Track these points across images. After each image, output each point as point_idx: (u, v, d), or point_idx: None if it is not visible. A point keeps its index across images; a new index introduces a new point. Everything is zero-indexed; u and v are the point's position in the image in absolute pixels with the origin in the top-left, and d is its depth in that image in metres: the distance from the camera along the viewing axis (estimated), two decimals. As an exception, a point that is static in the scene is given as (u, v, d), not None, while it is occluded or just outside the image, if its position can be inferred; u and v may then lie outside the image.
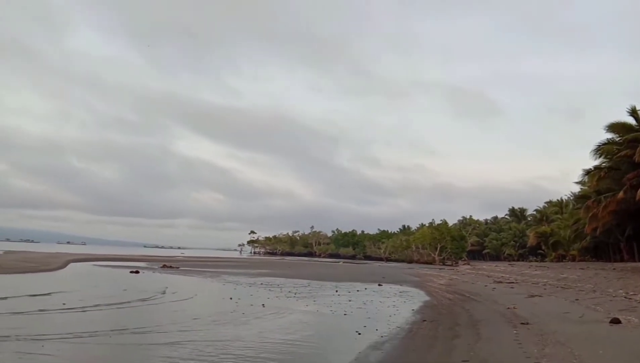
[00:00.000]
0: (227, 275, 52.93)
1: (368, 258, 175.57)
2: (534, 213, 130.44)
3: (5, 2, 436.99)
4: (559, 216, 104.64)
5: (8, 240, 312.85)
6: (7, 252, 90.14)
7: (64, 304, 22.28)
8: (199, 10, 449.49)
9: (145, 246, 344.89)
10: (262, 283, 41.62)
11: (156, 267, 63.57)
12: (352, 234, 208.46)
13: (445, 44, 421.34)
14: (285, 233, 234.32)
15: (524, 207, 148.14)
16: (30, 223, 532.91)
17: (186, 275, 51.10)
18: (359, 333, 17.87)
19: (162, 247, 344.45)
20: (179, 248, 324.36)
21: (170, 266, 64.34)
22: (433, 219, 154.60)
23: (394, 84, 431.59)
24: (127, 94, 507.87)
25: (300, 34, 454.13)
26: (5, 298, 23.71)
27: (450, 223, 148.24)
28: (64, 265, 57.47)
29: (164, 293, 30.27)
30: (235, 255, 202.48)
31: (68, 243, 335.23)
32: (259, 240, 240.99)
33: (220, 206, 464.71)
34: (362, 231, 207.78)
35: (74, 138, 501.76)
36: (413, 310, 26.05)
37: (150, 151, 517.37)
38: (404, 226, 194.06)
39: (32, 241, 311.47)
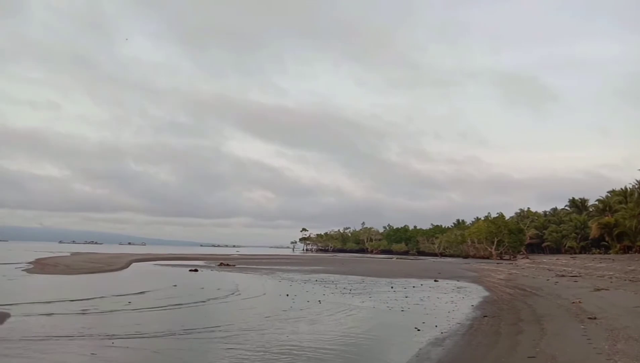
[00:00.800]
0: (281, 272, 53.68)
1: (421, 253, 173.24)
2: (596, 203, 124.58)
3: (63, 15, 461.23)
4: (623, 205, 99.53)
5: (74, 242, 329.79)
6: (74, 254, 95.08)
7: (143, 304, 23.41)
8: (244, 12, 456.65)
9: (201, 245, 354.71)
10: (316, 280, 41.93)
11: (213, 265, 65.26)
12: (404, 229, 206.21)
13: (494, 30, 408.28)
14: (336, 229, 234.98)
15: (585, 197, 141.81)
16: (94, 225, 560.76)
17: (242, 272, 52.19)
18: (418, 330, 17.72)
19: (218, 246, 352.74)
20: (234, 246, 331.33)
21: (227, 264, 65.91)
22: (489, 213, 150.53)
23: (443, 74, 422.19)
24: (179, 98, 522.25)
25: (344, 28, 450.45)
26: (92, 298, 25.02)
27: (507, 216, 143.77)
28: (126, 265, 60.01)
29: (218, 289, 31.13)
30: (288, 252, 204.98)
31: (129, 243, 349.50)
32: (311, 237, 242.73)
33: (271, 205, 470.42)
34: (415, 227, 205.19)
35: (131, 142, 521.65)
36: (472, 305, 25.55)
37: (203, 152, 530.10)
38: (458, 220, 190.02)
39: (96, 243, 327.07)
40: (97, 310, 21.08)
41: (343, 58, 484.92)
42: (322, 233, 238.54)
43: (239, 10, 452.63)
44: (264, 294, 29.90)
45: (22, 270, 46.46)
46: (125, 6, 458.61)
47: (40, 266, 53.23)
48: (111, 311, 20.99)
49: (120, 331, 16.20)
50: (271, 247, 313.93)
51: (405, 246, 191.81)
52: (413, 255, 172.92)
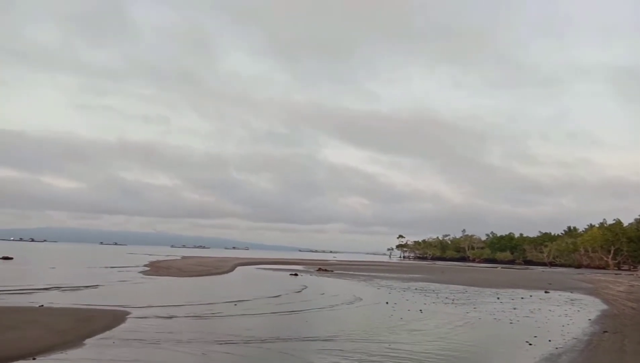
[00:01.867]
0: (379, 279, 53.20)
1: (528, 262, 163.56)
2: None
3: (169, 35, 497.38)
4: None
5: (184, 246, 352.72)
6: (184, 257, 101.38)
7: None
8: (335, 21, 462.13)
9: (300, 250, 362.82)
10: (416, 288, 41.01)
11: (312, 270, 66.33)
12: (509, 237, 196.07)
13: (603, 21, 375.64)
14: (435, 237, 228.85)
15: None
16: (202, 230, 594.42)
17: (340, 278, 52.46)
18: (530, 344, 16.58)
19: (316, 251, 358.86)
20: (331, 251, 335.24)
21: (325, 270, 66.68)
22: (604, 219, 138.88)
23: (547, 71, 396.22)
24: (276, 108, 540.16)
25: (438, 30, 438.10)
26: (203, 303, 26.50)
27: (625, 222, 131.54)
28: (232, 269, 62.83)
29: (322, 294, 31.47)
30: (385, 259, 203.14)
31: (234, 248, 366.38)
32: (408, 244, 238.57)
33: (366, 211, 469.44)
34: (520, 234, 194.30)
35: (233, 152, 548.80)
36: (590, 319, 23.51)
37: (299, 160, 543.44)
38: (569, 227, 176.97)
39: (204, 247, 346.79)
40: (209, 313, 22.10)
41: (438, 60, 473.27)
42: (420, 240, 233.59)
43: (330, 20, 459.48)
44: (362, 301, 29.71)
45: (139, 272, 50.31)
46: (225, 24, 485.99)
47: (155, 269, 57.36)
48: (221, 315, 21.80)
49: (228, 336, 16.81)
50: (367, 253, 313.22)
51: (510, 254, 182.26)
52: (519, 264, 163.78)
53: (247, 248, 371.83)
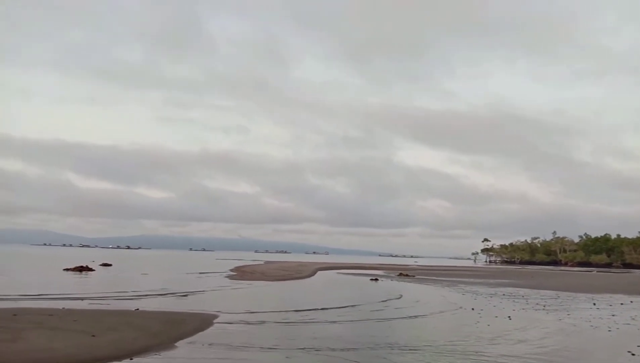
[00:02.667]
0: (464, 284, 51.53)
1: (628, 266, 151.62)
2: None
3: (243, 46, 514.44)
4: None
5: (267, 251, 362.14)
6: (267, 262, 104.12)
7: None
8: (406, 19, 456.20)
9: (380, 255, 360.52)
10: (503, 294, 39.29)
11: (393, 275, 65.55)
12: (605, 239, 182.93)
13: None
14: (522, 240, 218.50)
15: None
16: (282, 235, 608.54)
17: (422, 283, 51.39)
18: (633, 354, 15.31)
19: (396, 256, 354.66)
20: (411, 256, 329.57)
21: (407, 275, 65.64)
22: None
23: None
24: (349, 112, 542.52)
25: (516, 22, 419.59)
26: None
27: None
28: (313, 273, 63.63)
29: (399, 297, 30.98)
30: (469, 263, 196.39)
31: (314, 253, 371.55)
32: (494, 248, 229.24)
33: (447, 214, 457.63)
34: (618, 235, 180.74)
35: (309, 158, 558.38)
36: (702, 329, 21.30)
37: (375, 163, 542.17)
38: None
39: (285, 252, 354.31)
40: (294, 319, 22.45)
41: (517, 53, 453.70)
42: (507, 244, 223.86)
43: (401, 18, 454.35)
44: (446, 307, 28.87)
45: (225, 277, 52.28)
46: (297, 31, 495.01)
47: (240, 273, 59.34)
48: (305, 321, 21.98)
49: (312, 342, 16.95)
50: (450, 258, 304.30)
51: (606, 257, 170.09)
52: (617, 267, 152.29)
53: (326, 253, 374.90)
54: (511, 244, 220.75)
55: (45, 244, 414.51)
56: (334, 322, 21.30)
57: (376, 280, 53.55)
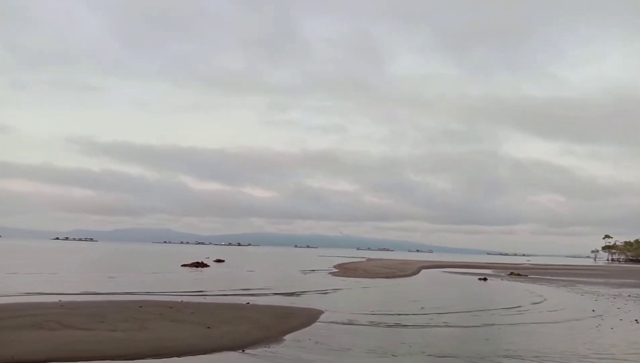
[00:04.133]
0: (583, 284, 47.81)
1: None
2: None
3: (339, 46, 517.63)
4: None
5: (369, 248, 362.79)
6: (369, 259, 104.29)
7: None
8: (506, 2, 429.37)
9: (488, 254, 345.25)
10: (629, 295, 35.92)
11: (503, 275, 62.53)
12: None
13: None
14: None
15: None
16: (384, 233, 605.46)
17: (535, 283, 48.43)
18: None
19: (506, 254, 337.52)
20: (523, 254, 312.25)
21: (518, 274, 62.28)
22: None
23: None
24: (449, 105, 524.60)
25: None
26: (391, 313, 26.91)
27: None
28: (416, 271, 62.61)
29: (537, 303, 29.42)
30: (588, 262, 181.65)
31: (417, 251, 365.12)
32: (617, 245, 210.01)
33: (562, 209, 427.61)
34: None
35: (408, 154, 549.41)
36: None
37: (478, 157, 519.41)
38: None
39: (388, 249, 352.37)
40: (397, 322, 22.29)
41: (635, 30, 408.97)
42: (632, 241, 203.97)
43: (501, 2, 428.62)
44: (564, 310, 26.92)
45: (329, 274, 53.18)
46: (391, 27, 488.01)
47: (343, 270, 60.05)
48: (408, 324, 21.74)
49: (418, 347, 16.67)
50: (567, 256, 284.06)
51: None
52: None
53: (430, 251, 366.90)
54: (637, 241, 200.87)
55: (165, 242, 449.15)
56: (442, 325, 20.37)
57: (485, 279, 51.44)
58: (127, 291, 28.49)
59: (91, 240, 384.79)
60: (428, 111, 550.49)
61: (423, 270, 67.46)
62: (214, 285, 35.00)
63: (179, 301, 24.06)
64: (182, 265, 59.15)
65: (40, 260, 66.07)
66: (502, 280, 53.41)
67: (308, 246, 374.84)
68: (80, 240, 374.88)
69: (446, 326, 19.98)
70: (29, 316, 17.50)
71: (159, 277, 41.64)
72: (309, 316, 20.66)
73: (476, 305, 27.23)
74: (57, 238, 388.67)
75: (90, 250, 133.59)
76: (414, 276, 54.61)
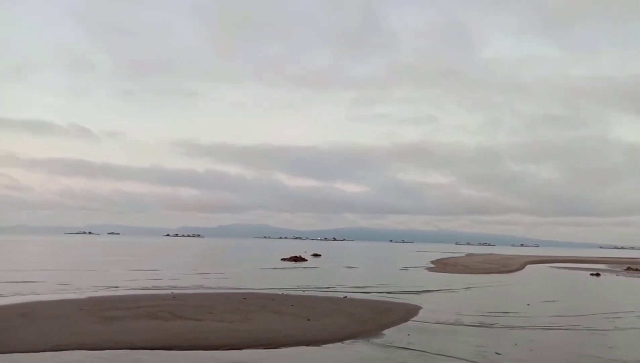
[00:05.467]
0: None
1: None
2: None
3: (425, 36, 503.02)
4: None
5: (468, 243, 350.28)
6: (468, 255, 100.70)
7: None
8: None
9: (601, 247, 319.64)
10: None
11: (619, 270, 57.59)
12: None
13: None
14: None
15: None
16: (483, 227, 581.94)
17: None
18: None
19: (622, 247, 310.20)
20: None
21: (636, 269, 57.02)
22: None
23: None
24: (549, 88, 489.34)
25: None
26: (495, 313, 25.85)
27: None
28: (521, 267, 59.46)
29: None
30: None
31: (521, 245, 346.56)
32: None
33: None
34: None
35: (506, 143, 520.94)
36: None
37: (586, 143, 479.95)
38: None
39: (489, 244, 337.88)
40: (497, 322, 21.28)
41: None
42: None
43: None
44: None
45: (426, 269, 52.17)
46: (480, 9, 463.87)
47: (442, 265, 58.57)
48: (512, 325, 20.63)
49: (519, 353, 15.83)
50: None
51: None
52: None
53: (536, 245, 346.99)
54: None
55: (264, 237, 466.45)
56: (553, 326, 18.40)
57: (597, 274, 47.67)
58: (233, 285, 30.02)
59: (198, 236, 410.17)
60: (526, 96, 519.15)
61: (529, 266, 63.97)
62: (312, 278, 35.75)
63: (280, 294, 24.90)
64: (282, 259, 61.12)
65: (156, 256, 71.63)
66: (617, 275, 49.21)
67: (403, 241, 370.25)
68: (188, 236, 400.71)
69: (559, 328, 18.07)
70: (145, 307, 19.02)
71: (261, 271, 43.31)
72: (407, 312, 20.40)
73: (590, 304, 25.28)
74: (168, 235, 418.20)
75: (198, 245, 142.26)
76: (519, 272, 51.88)
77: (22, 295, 22.80)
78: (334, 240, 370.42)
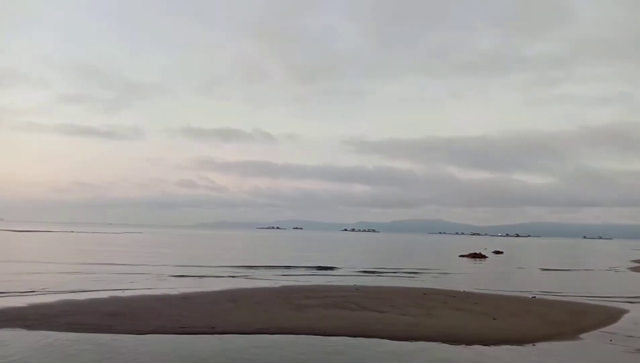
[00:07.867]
0: None
1: None
2: None
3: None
4: None
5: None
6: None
7: None
8: None
9: None
10: None
11: None
12: None
13: None
14: None
15: None
16: None
17: None
18: None
19: None
20: None
21: None
22: None
23: None
24: None
25: None
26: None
27: None
28: None
29: None
30: None
31: None
32: None
33: None
34: None
35: None
36: None
37: None
38: None
39: None
40: None
41: None
42: None
43: None
44: None
45: (628, 269, 46.14)
46: None
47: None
48: None
49: None
50: None
51: None
52: None
53: None
54: None
55: (440, 232, 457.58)
56: None
57: None
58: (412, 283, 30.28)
59: (373, 231, 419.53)
60: None
61: None
62: (493, 276, 34.27)
63: (462, 290, 24.38)
64: (460, 256, 59.43)
65: (338, 250, 75.58)
66: None
67: (600, 237, 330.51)
68: (364, 231, 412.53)
69: None
70: (332, 297, 20.32)
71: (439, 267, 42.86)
72: (609, 316, 18.37)
73: None
74: (345, 229, 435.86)
75: (373, 240, 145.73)
76: None
77: (230, 282, 26.14)
78: (517, 236, 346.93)
